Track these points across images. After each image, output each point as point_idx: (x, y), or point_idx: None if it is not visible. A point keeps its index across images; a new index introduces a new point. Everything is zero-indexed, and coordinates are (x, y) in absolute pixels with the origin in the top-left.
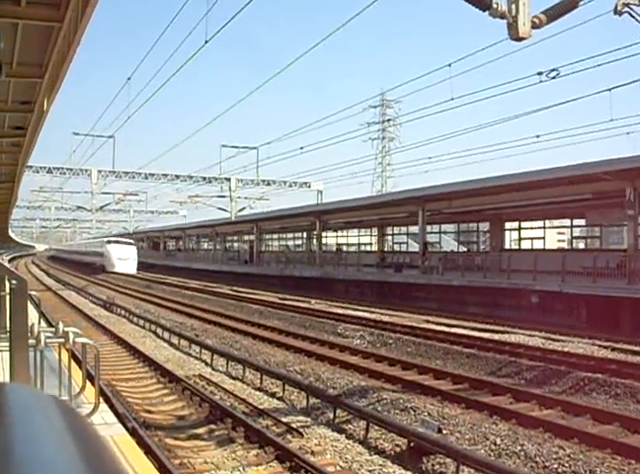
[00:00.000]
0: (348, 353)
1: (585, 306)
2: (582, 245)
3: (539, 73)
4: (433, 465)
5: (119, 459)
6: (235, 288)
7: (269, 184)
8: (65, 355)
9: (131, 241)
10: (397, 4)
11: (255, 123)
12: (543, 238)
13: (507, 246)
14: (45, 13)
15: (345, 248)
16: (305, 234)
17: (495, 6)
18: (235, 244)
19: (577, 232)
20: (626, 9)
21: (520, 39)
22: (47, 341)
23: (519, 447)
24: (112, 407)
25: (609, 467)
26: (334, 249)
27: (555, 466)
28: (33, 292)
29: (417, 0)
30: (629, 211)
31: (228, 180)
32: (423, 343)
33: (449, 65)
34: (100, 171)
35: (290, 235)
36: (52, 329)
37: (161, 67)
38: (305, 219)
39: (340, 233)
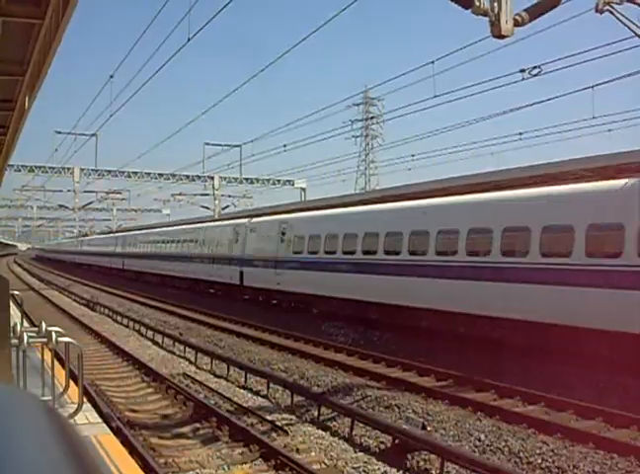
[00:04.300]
0: (332, 350)
1: None
2: None
3: (522, 70)
4: (417, 462)
5: (100, 460)
6: None
7: (252, 182)
8: (48, 355)
9: None
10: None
11: (238, 121)
12: None
13: None
14: (26, 10)
15: None
16: None
17: (477, 4)
18: None
19: None
20: (607, 7)
21: (502, 37)
22: (30, 340)
23: (502, 443)
24: (96, 406)
25: (592, 462)
26: None
27: (539, 461)
28: (15, 292)
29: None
30: None
31: (212, 178)
32: None
33: (433, 62)
34: (82, 169)
35: None
36: (35, 328)
37: (144, 64)
38: None
39: None
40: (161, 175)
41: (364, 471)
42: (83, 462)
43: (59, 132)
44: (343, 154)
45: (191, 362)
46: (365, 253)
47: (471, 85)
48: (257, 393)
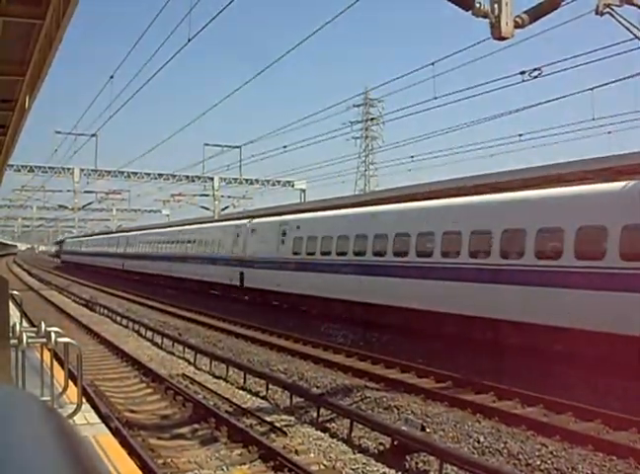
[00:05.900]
0: (331, 351)
1: None
2: None
3: (522, 72)
4: (416, 463)
5: (99, 460)
6: None
7: (252, 183)
8: (47, 356)
9: None
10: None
11: (239, 122)
12: None
13: None
14: (26, 10)
15: None
16: None
17: (478, 6)
18: None
19: None
20: (607, 9)
21: (502, 39)
22: (29, 341)
23: (502, 445)
24: (95, 407)
25: (591, 464)
26: None
27: (538, 463)
28: (15, 292)
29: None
30: None
31: (211, 179)
32: None
33: (433, 64)
34: (82, 170)
35: None
36: (34, 329)
37: (144, 65)
38: None
39: None
40: (161, 175)
41: (363, 472)
42: (82, 462)
43: (59, 132)
44: (343, 155)
45: (190, 363)
46: None
47: (471, 87)
48: (256, 394)
